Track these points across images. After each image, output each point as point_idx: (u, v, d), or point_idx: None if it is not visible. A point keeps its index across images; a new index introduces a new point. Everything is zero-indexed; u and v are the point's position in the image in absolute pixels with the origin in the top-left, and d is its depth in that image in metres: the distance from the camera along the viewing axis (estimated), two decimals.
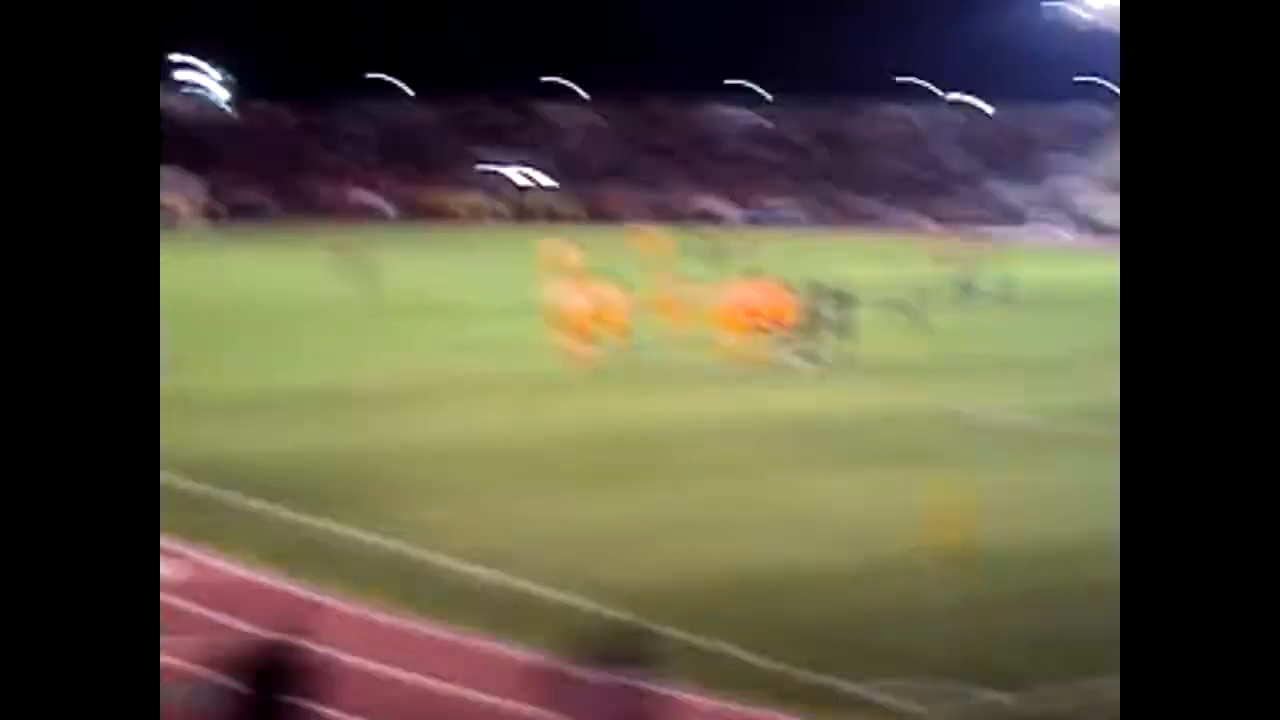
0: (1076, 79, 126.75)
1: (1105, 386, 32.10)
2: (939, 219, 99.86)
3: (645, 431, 26.54)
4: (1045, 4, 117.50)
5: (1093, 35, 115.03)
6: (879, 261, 42.22)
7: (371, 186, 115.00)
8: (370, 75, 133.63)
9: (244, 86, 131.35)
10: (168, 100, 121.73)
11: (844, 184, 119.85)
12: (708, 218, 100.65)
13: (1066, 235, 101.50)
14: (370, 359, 35.46)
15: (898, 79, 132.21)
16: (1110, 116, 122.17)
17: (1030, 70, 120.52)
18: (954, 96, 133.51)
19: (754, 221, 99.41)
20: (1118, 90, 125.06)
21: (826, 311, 36.23)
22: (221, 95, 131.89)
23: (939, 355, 37.37)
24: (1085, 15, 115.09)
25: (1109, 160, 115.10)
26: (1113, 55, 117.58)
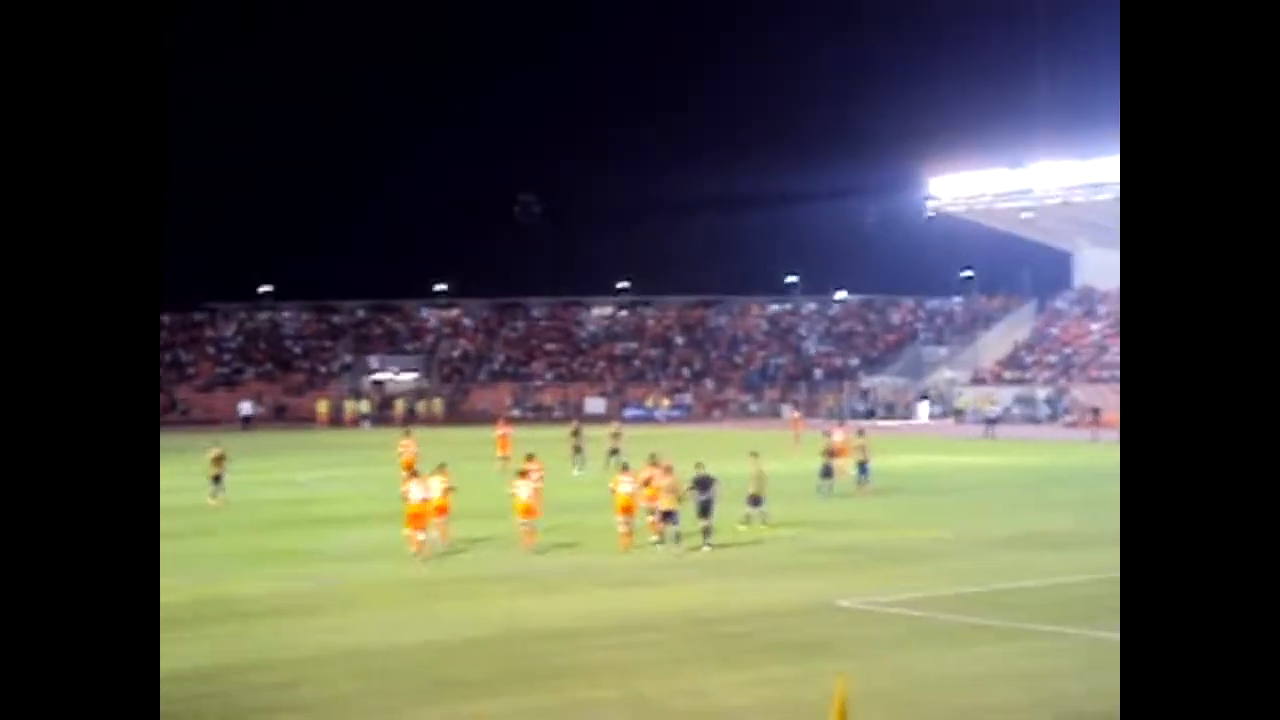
0: (952, 271, 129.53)
1: (981, 573, 32.55)
2: (807, 410, 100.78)
3: (530, 632, 26.14)
4: (912, 199, 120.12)
5: (961, 229, 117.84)
6: (749, 453, 42.09)
7: (242, 391, 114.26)
8: (239, 282, 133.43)
9: None
10: None
11: (711, 377, 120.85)
12: (576, 413, 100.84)
13: (937, 423, 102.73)
14: (247, 569, 34.79)
15: (786, 275, 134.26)
16: (976, 309, 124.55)
17: (899, 263, 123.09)
18: (835, 291, 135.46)
19: (619, 415, 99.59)
20: (976, 283, 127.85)
21: (694, 496, 37.22)
22: None
23: (815, 546, 37.39)
24: (952, 210, 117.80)
25: (975, 349, 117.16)
26: (981, 249, 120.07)
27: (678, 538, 36.26)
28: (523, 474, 39.03)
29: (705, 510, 37.13)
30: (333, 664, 23.64)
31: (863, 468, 51.66)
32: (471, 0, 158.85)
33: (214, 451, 49.46)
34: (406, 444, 56.02)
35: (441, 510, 36.76)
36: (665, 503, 36.54)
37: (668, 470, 37.33)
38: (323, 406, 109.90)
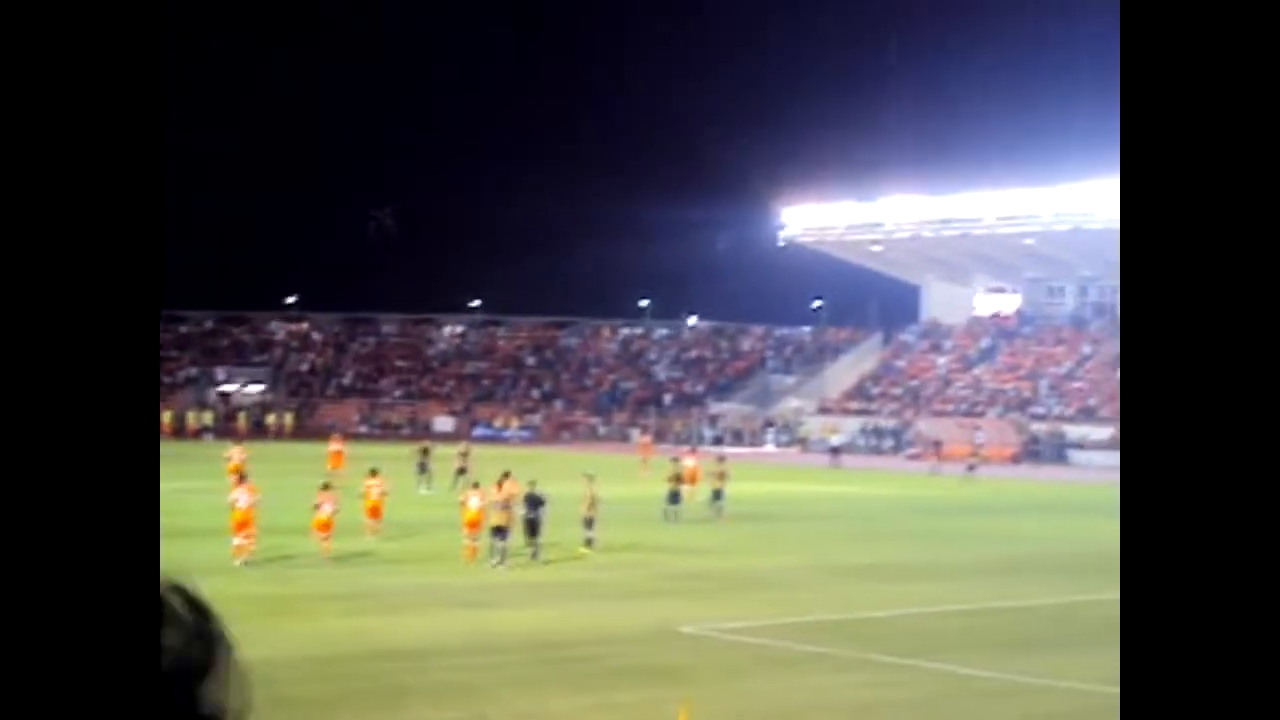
0: (802, 301, 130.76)
1: (827, 602, 32.85)
2: (656, 434, 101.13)
3: (373, 651, 25.93)
4: (764, 228, 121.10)
5: (812, 260, 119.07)
6: (583, 475, 42.14)
7: None
8: None
9: None
10: None
11: (561, 399, 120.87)
12: (425, 431, 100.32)
13: (782, 451, 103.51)
14: None
15: (638, 298, 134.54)
16: (824, 339, 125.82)
17: (750, 291, 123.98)
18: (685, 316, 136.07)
19: (468, 434, 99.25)
20: (826, 313, 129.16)
21: (525, 513, 38.23)
22: None
23: (660, 572, 37.49)
24: (803, 240, 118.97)
25: (822, 379, 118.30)
26: (831, 280, 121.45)
27: (503, 555, 36.89)
28: (326, 487, 39.48)
29: (533, 529, 38.00)
30: None
31: (718, 494, 51.95)
32: (337, 9, 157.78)
33: None
34: (235, 452, 56.28)
35: (325, 526, 37.72)
36: (496, 519, 37.21)
37: (500, 486, 38.22)
38: (165, 417, 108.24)
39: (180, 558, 23.44)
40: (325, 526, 37.85)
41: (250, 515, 37.15)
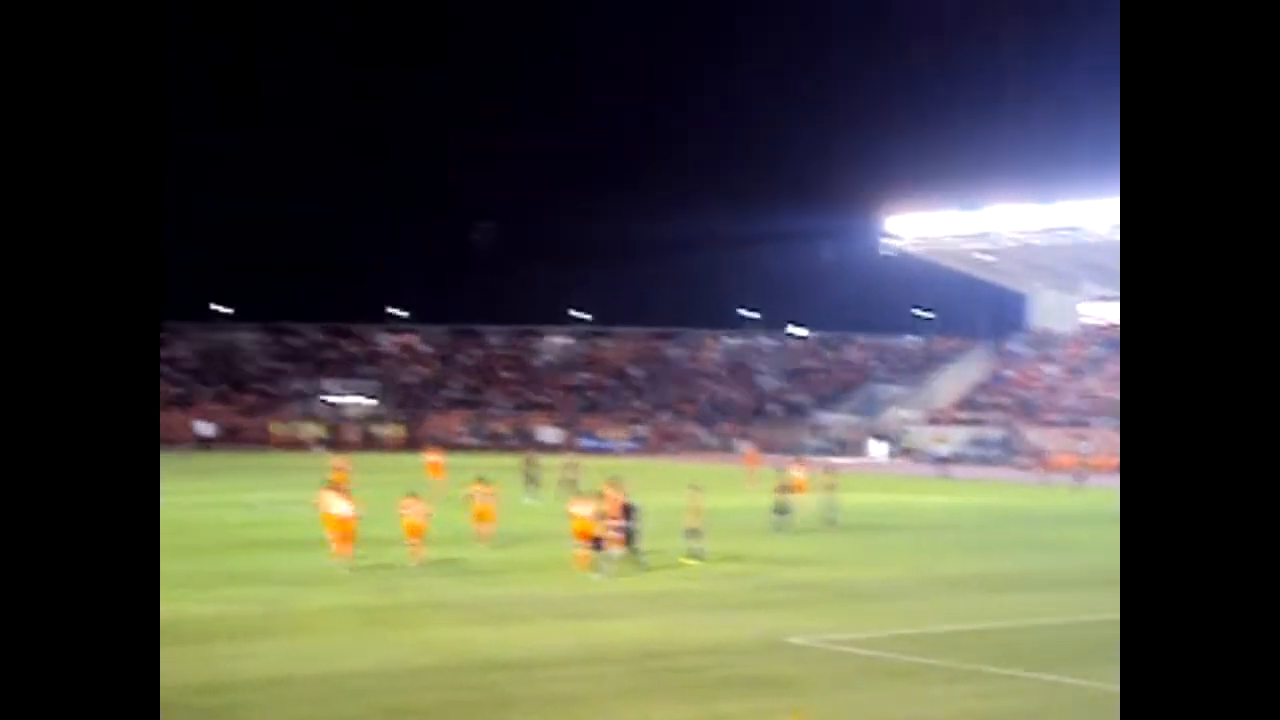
0: (908, 310, 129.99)
1: (936, 612, 32.51)
2: (762, 445, 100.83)
3: (480, 662, 25.95)
4: (869, 238, 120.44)
5: (918, 269, 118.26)
6: (689, 486, 42.00)
7: (195, 412, 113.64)
8: (196, 302, 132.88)
9: None
10: None
11: (666, 410, 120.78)
12: (531, 442, 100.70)
13: (890, 461, 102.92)
14: (194, 591, 34.49)
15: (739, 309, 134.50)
16: (931, 348, 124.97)
17: (855, 300, 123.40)
18: (787, 327, 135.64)
19: (574, 446, 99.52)
20: (932, 323, 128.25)
21: (622, 522, 38.37)
22: None
23: (768, 583, 37.30)
24: (909, 249, 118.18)
25: (929, 389, 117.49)
26: (938, 289, 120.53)
27: (606, 565, 36.97)
28: (412, 495, 39.99)
29: (629, 538, 38.39)
30: (276, 689, 23.39)
31: (829, 504, 52.05)
32: (439, 29, 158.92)
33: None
34: (340, 462, 58.67)
35: (415, 531, 38.59)
36: (595, 529, 37.35)
37: (601, 497, 38.55)
38: (279, 429, 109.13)
39: (285, 569, 23.63)
40: (415, 531, 38.50)
41: (350, 524, 37.77)
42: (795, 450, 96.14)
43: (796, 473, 56.75)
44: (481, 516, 43.15)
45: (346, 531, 37.73)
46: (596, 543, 37.38)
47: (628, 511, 38.74)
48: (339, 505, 38.44)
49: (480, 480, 44.23)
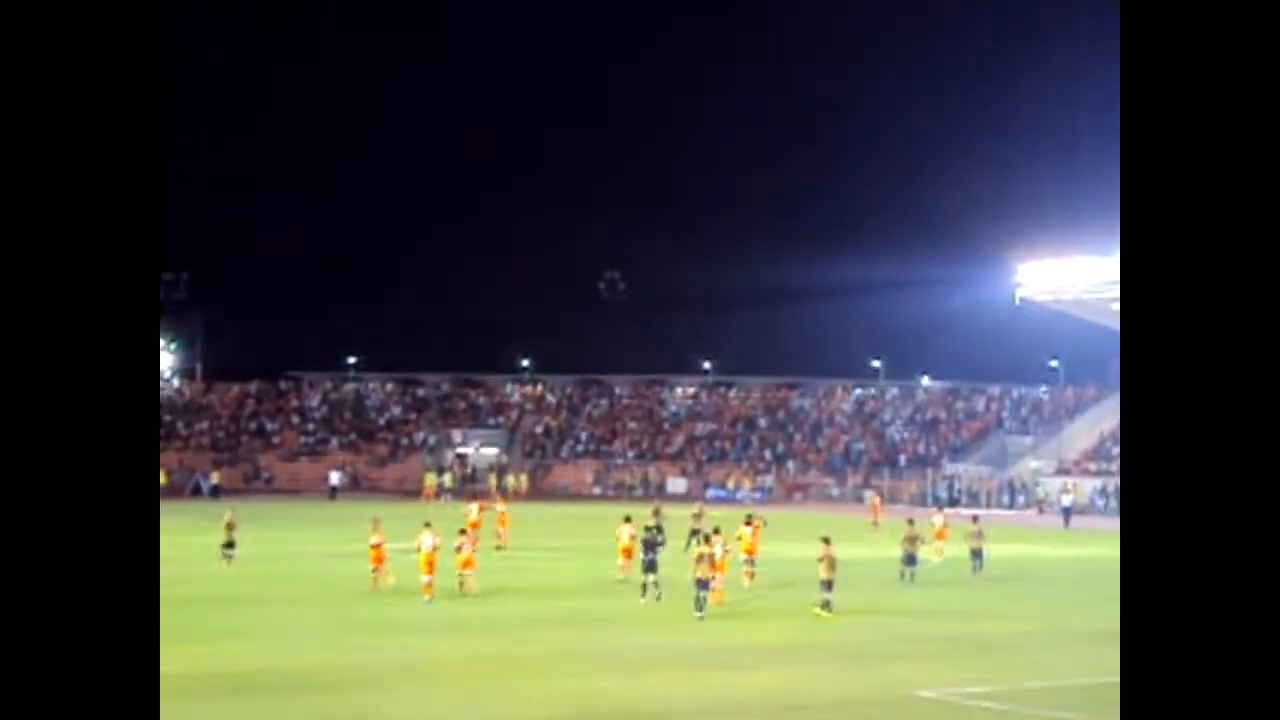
0: (1039, 359, 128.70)
1: (1069, 666, 32.05)
2: (890, 495, 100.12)
3: (608, 712, 25.94)
4: (999, 286, 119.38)
5: (1049, 318, 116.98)
6: (820, 538, 41.69)
7: (326, 461, 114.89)
8: (325, 352, 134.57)
9: (205, 365, 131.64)
10: None
11: (793, 459, 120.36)
12: (658, 491, 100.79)
13: (1018, 513, 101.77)
14: (326, 638, 34.81)
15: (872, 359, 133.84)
16: (1061, 398, 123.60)
17: (985, 350, 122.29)
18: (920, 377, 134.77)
19: (701, 495, 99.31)
20: (1062, 372, 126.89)
21: (643, 555, 42.43)
22: (177, 374, 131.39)
23: (896, 635, 37.00)
24: (1039, 298, 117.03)
25: (1060, 439, 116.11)
26: (1068, 338, 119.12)
27: (701, 604, 38.56)
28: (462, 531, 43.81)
29: (651, 567, 41.85)
30: None
31: (976, 554, 51.66)
32: (565, 80, 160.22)
33: (226, 517, 51.07)
34: (473, 509, 59.80)
35: (466, 564, 42.31)
36: (700, 571, 38.79)
37: (707, 540, 41.16)
38: (430, 480, 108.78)
39: (414, 617, 23.75)
40: (467, 564, 42.32)
41: (434, 558, 41.55)
42: (924, 501, 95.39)
43: (938, 520, 58.12)
44: (626, 553, 46.30)
45: (431, 560, 41.44)
46: (702, 584, 38.68)
47: (650, 544, 42.27)
48: (426, 540, 41.94)
49: (627, 520, 47.63)
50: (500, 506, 63.10)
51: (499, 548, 57.04)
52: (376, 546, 44.24)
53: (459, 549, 42.39)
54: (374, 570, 43.99)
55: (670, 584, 44.70)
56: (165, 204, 10.59)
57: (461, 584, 42.26)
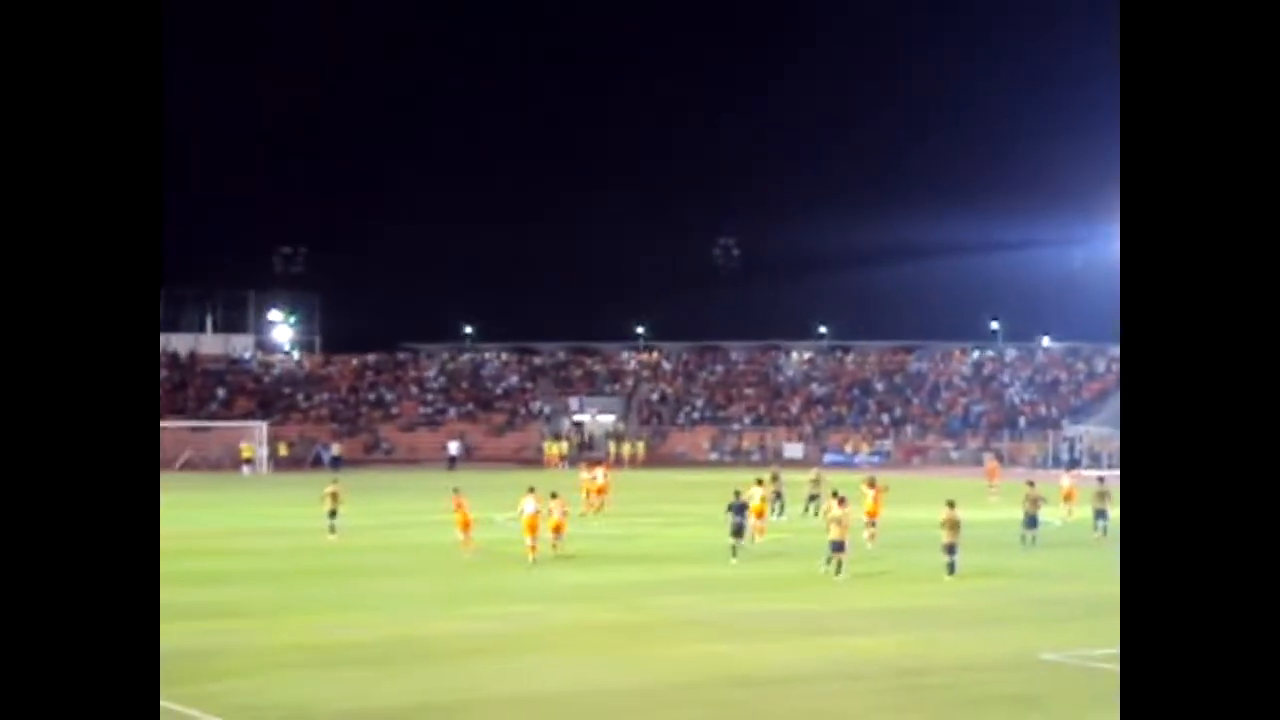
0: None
1: None
2: (1011, 458, 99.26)
3: (735, 678, 25.91)
4: (1117, 241, 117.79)
5: None
6: (945, 502, 41.30)
7: (444, 431, 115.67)
8: (442, 323, 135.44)
9: (324, 338, 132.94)
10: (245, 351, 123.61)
11: (911, 423, 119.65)
12: (775, 457, 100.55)
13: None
14: (440, 609, 35.02)
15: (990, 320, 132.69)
16: None
17: (1105, 309, 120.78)
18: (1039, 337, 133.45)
19: (818, 460, 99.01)
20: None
21: (730, 518, 43.80)
22: (297, 347, 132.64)
23: (1019, 598, 36.69)
24: None
25: None
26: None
27: (839, 567, 38.86)
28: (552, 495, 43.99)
29: (738, 531, 43.21)
30: (529, 708, 23.58)
31: (1101, 514, 50.65)
32: (672, 51, 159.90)
33: (329, 489, 50.86)
34: (598, 472, 62.09)
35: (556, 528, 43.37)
36: (833, 533, 39.02)
37: (842, 502, 40.16)
38: (552, 448, 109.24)
39: (530, 585, 23.80)
40: (558, 529, 43.31)
41: (536, 521, 42.55)
42: (1043, 463, 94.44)
43: (1065, 482, 58.68)
44: (759, 514, 47.59)
45: (534, 524, 42.41)
46: (837, 546, 38.91)
47: (740, 508, 43.67)
48: (530, 504, 42.89)
49: (759, 481, 49.29)
50: (600, 474, 62.85)
51: (583, 514, 56.68)
52: (460, 511, 45.18)
53: (550, 513, 43.14)
54: (463, 538, 44.82)
55: (791, 549, 44.63)
56: (163, 206, 10.67)
57: (554, 547, 43.04)
